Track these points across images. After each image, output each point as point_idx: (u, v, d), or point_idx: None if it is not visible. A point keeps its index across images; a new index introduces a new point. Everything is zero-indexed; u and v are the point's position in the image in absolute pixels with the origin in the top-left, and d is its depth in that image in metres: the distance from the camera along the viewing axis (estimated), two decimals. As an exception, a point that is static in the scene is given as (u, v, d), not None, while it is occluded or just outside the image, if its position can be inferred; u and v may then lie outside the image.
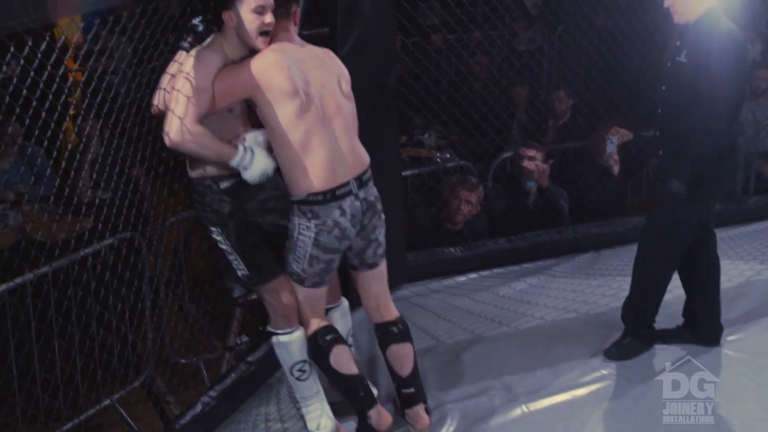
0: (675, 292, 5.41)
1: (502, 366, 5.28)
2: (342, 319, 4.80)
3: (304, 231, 4.24)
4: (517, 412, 4.84)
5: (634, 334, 5.29)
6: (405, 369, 4.71)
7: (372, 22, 5.59)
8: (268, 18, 4.04)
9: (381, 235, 4.49)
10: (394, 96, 5.98)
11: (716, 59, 4.62)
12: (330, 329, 4.53)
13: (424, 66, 8.48)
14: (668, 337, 5.41)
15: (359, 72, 5.47)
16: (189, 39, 4.16)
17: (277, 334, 4.54)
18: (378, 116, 5.71)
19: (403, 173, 6.58)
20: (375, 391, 4.71)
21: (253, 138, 4.22)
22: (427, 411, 4.80)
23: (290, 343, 4.54)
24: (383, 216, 4.47)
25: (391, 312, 4.70)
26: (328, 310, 4.71)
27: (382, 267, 4.60)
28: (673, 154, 4.84)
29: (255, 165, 4.18)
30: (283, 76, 4.10)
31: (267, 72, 4.08)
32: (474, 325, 5.77)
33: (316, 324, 4.50)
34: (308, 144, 4.14)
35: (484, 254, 6.62)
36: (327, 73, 4.29)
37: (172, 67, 4.15)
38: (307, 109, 4.14)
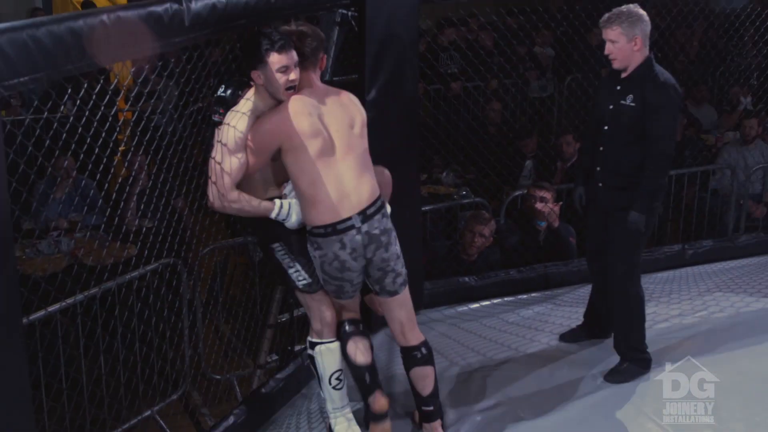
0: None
1: (509, 387, 5.26)
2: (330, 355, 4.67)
3: (315, 259, 4.29)
4: (523, 429, 4.85)
5: (631, 360, 5.31)
6: (426, 389, 4.70)
7: (396, 70, 5.62)
8: (293, 75, 4.06)
9: (398, 265, 4.43)
10: (416, 137, 5.99)
11: (664, 104, 4.90)
12: (355, 320, 4.55)
13: (444, 111, 8.54)
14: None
15: (384, 114, 5.53)
16: (221, 111, 4.18)
17: (320, 343, 4.53)
18: (400, 155, 5.73)
19: (423, 208, 6.59)
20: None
21: (290, 189, 4.28)
22: (443, 426, 4.82)
23: (332, 352, 4.53)
24: (395, 247, 4.41)
25: (417, 337, 4.64)
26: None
27: (404, 295, 4.54)
28: (616, 186, 5.05)
29: (292, 215, 4.25)
30: (304, 124, 4.12)
31: (290, 121, 4.10)
32: (485, 348, 5.76)
33: (345, 315, 4.53)
34: (317, 182, 4.16)
35: (496, 284, 6.61)
36: (343, 115, 4.29)
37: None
38: (321, 152, 4.17)
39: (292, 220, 4.27)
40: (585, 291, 6.25)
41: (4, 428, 3.14)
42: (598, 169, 5.16)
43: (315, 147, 4.14)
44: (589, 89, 8.83)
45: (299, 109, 4.13)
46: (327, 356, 4.53)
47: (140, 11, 3.84)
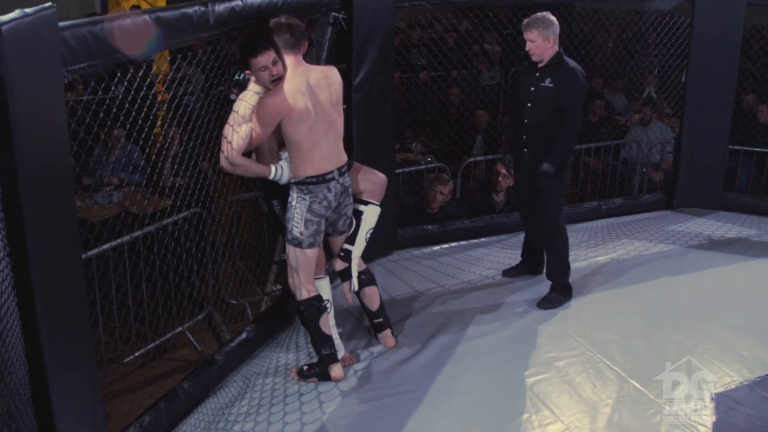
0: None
1: (461, 311, 5.32)
2: (325, 287, 4.70)
3: (301, 202, 4.29)
4: (473, 343, 4.90)
5: (559, 289, 5.38)
6: (374, 305, 4.81)
7: (377, 61, 5.62)
8: (274, 71, 4.05)
9: (350, 211, 4.55)
10: (392, 115, 5.99)
11: (573, 84, 5.06)
12: (320, 298, 4.50)
13: (414, 94, 8.52)
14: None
15: (367, 96, 5.55)
16: (235, 91, 4.20)
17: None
18: (379, 130, 5.75)
19: (396, 171, 6.60)
20: (340, 354, 4.66)
21: (285, 153, 4.34)
22: (393, 335, 4.89)
23: (319, 286, 4.57)
24: (351, 200, 4.52)
25: (360, 265, 4.72)
26: (315, 279, 4.60)
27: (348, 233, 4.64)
28: (539, 149, 5.16)
29: (284, 176, 4.32)
30: (299, 102, 4.14)
31: (287, 101, 4.11)
32: (444, 281, 5.80)
33: (307, 292, 4.45)
34: (312, 147, 4.22)
35: (453, 231, 6.64)
36: (327, 90, 4.30)
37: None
38: (313, 124, 4.20)
39: (284, 180, 4.34)
40: (522, 236, 6.32)
41: (69, 336, 3.16)
42: (524, 137, 5.26)
43: (308, 121, 4.17)
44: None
45: (294, 89, 4.14)
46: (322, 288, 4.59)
47: (175, 12, 3.84)
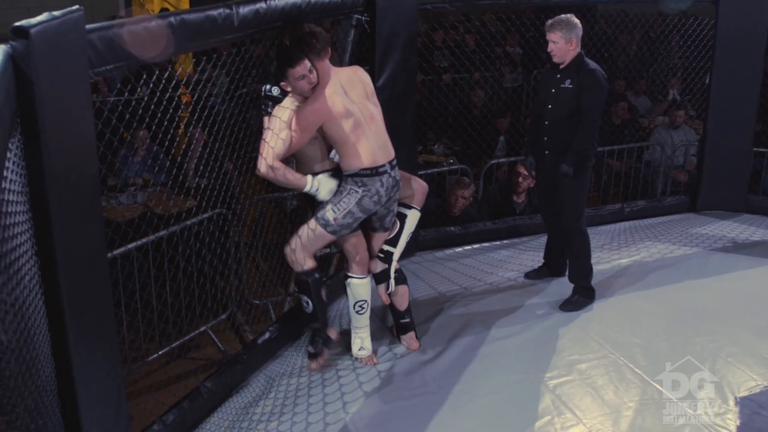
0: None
1: (483, 312, 5.31)
2: (367, 288, 4.74)
3: (353, 193, 4.34)
4: (495, 345, 4.89)
5: (581, 292, 5.36)
6: (402, 305, 4.82)
7: (399, 63, 5.63)
8: (312, 78, 4.16)
9: (396, 207, 4.62)
10: (414, 117, 6.00)
11: (593, 85, 5.04)
12: (320, 270, 4.59)
13: (437, 96, 8.51)
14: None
15: (389, 98, 5.54)
16: (270, 104, 4.26)
17: (352, 277, 4.63)
18: (402, 131, 5.74)
19: (419, 172, 6.60)
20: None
21: (334, 153, 4.43)
22: (417, 338, 4.88)
23: (359, 285, 4.62)
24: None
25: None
26: (360, 279, 4.68)
27: (390, 231, 4.68)
28: (559, 151, 5.14)
29: (321, 190, 4.36)
30: (338, 104, 4.22)
31: (326, 104, 4.19)
32: (465, 282, 5.80)
33: (311, 263, 4.48)
34: (358, 142, 4.28)
35: (475, 232, 6.64)
36: (360, 87, 4.41)
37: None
38: (354, 122, 4.27)
39: (321, 195, 4.37)
40: (544, 239, 6.29)
41: (94, 335, 3.19)
42: (545, 139, 5.25)
43: (349, 120, 4.26)
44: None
45: (331, 92, 4.23)
46: (355, 288, 4.63)
47: (200, 14, 3.86)
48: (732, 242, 6.48)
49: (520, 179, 6.86)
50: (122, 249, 4.72)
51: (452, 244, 6.55)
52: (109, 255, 4.30)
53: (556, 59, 5.13)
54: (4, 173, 2.21)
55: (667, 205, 7.29)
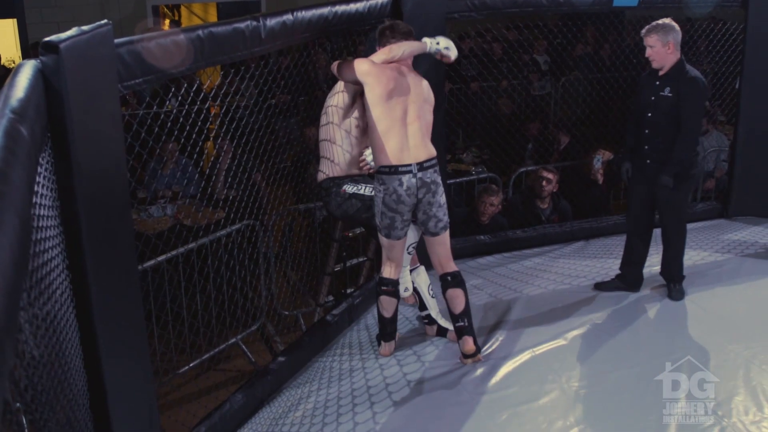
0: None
1: (515, 320, 5.28)
2: (419, 276, 4.96)
3: (377, 194, 4.49)
4: (527, 355, 4.85)
5: (680, 280, 5.44)
6: (458, 308, 4.76)
7: (428, 73, 5.60)
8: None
9: (440, 213, 4.60)
10: (442, 125, 5.99)
11: (693, 93, 4.96)
12: (392, 282, 4.70)
13: (465, 105, 8.49)
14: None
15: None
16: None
17: (413, 269, 4.94)
18: (431, 139, 5.73)
19: (448, 181, 6.59)
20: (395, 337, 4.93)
21: (368, 152, 4.69)
22: (475, 343, 4.79)
23: (420, 273, 4.99)
24: (441, 198, 4.58)
25: (451, 267, 4.77)
26: (411, 270, 4.89)
27: (444, 236, 4.70)
28: (661, 161, 5.07)
29: (441, 42, 4.79)
30: (390, 82, 4.45)
31: (382, 73, 4.45)
32: (495, 291, 5.78)
33: (387, 271, 4.69)
34: (388, 134, 4.40)
35: (504, 241, 6.61)
36: (421, 90, 4.59)
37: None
38: (395, 111, 4.42)
39: (452, 53, 4.82)
40: (575, 247, 6.24)
41: (126, 347, 3.20)
42: (646, 147, 5.18)
43: (391, 104, 4.42)
44: (579, 87, 8.78)
45: (394, 70, 4.51)
46: (420, 276, 4.92)
47: (228, 27, 3.87)
48: (764, 248, 6.39)
49: (544, 183, 6.82)
50: (152, 261, 4.75)
51: (483, 252, 6.53)
52: (140, 267, 4.33)
53: (655, 64, 5.07)
54: (35, 188, 2.22)
55: (699, 211, 7.21)
